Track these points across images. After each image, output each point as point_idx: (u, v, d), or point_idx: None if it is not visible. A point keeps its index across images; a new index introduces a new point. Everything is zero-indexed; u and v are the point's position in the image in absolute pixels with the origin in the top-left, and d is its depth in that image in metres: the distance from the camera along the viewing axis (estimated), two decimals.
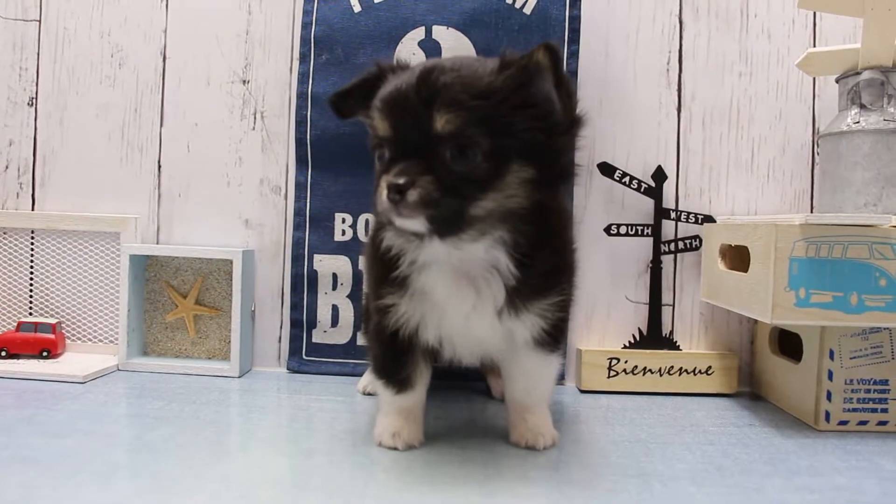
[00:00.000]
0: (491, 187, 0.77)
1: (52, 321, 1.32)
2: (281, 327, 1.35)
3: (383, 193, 0.75)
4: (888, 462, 0.91)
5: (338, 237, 1.30)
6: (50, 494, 0.72)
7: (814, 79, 1.31)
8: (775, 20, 1.31)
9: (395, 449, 0.89)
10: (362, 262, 1.26)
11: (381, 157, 0.81)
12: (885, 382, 1.06)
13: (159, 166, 1.37)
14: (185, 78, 1.37)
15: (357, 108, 0.88)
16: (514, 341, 0.89)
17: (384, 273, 0.87)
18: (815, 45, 1.31)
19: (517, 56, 0.78)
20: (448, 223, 0.77)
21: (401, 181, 0.74)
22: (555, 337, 0.91)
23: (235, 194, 1.36)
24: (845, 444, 0.99)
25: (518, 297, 0.84)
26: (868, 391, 1.06)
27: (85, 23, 1.39)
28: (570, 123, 0.81)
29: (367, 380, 1.17)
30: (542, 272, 0.85)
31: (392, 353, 0.91)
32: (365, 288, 1.10)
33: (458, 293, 0.84)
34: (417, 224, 0.76)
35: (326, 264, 1.30)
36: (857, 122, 1.14)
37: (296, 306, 1.32)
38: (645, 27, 1.32)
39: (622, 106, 1.31)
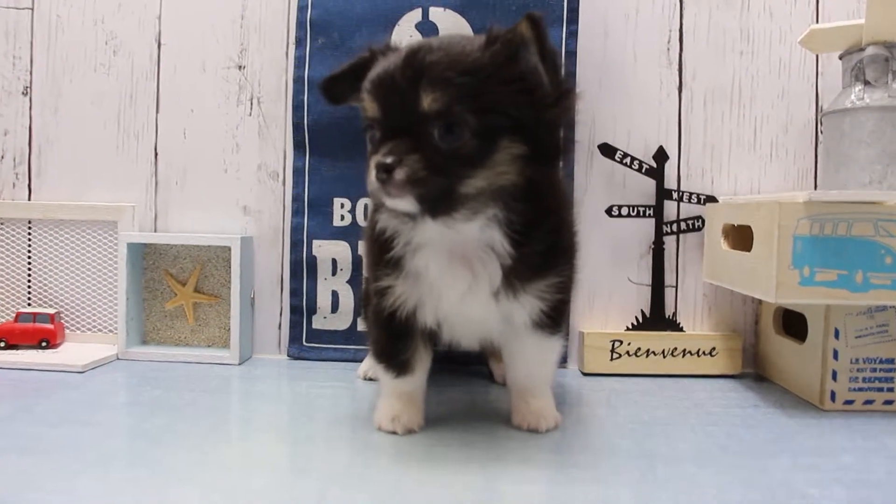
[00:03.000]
0: (480, 164, 0.76)
1: (51, 311, 1.32)
2: (281, 314, 1.34)
3: (372, 173, 0.75)
4: (894, 441, 0.91)
5: (336, 222, 1.28)
6: (47, 484, 0.71)
7: (817, 56, 1.29)
8: None
9: (395, 433, 0.88)
10: (361, 247, 1.25)
11: (371, 138, 0.80)
12: (891, 361, 1.05)
13: (156, 154, 1.36)
14: (181, 64, 1.36)
15: (349, 92, 0.87)
16: (513, 323, 0.88)
17: (380, 255, 0.87)
18: (817, 22, 1.29)
19: (503, 30, 0.77)
20: (438, 202, 0.76)
21: (388, 160, 0.74)
22: (554, 319, 0.90)
23: (233, 181, 1.35)
24: (851, 423, 0.98)
25: (515, 277, 0.83)
26: (874, 370, 1.05)
27: (78, 10, 1.37)
28: (559, 96, 0.78)
29: (368, 365, 1.17)
30: (540, 251, 0.83)
31: (391, 337, 0.91)
32: (364, 272, 1.10)
33: (453, 274, 0.84)
34: (407, 203, 0.76)
35: (325, 250, 1.29)
36: (862, 99, 1.12)
37: (295, 292, 1.32)
38: (644, 6, 1.30)
39: (622, 86, 1.30)
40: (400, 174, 0.74)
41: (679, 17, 1.30)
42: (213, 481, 0.73)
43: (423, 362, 0.93)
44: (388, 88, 0.77)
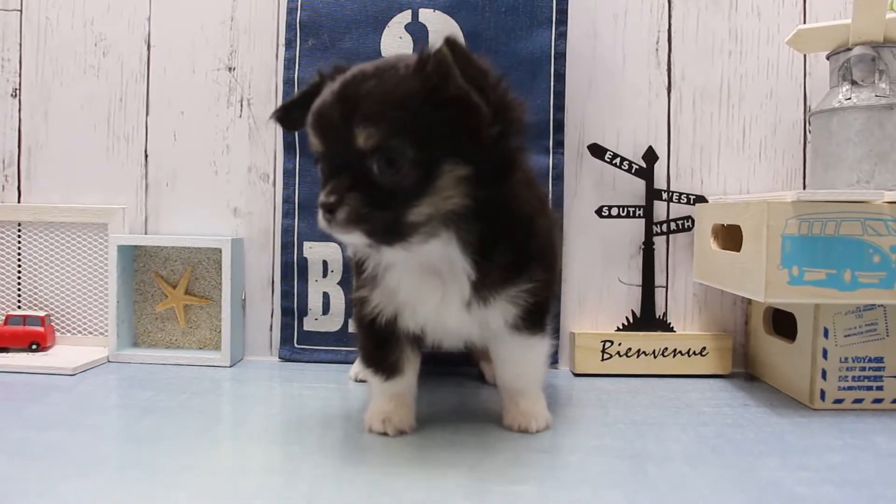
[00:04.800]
0: (424, 193, 0.75)
1: (41, 314, 1.31)
2: (272, 316, 1.34)
3: (319, 212, 0.76)
4: (883, 440, 0.91)
5: None
6: (34, 487, 0.71)
7: (804, 56, 1.30)
8: None
9: (385, 434, 0.88)
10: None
11: (320, 171, 0.80)
12: (880, 360, 1.06)
13: (146, 156, 1.36)
14: (170, 66, 1.35)
15: (302, 120, 0.83)
16: (491, 328, 0.88)
17: (357, 269, 0.90)
18: (804, 23, 1.29)
19: (431, 53, 0.75)
20: (386, 233, 0.76)
21: (330, 199, 0.74)
22: (534, 321, 0.90)
23: (223, 183, 1.34)
24: (840, 422, 0.98)
25: (483, 288, 0.83)
26: (863, 369, 1.06)
27: (67, 12, 1.37)
28: (496, 112, 0.75)
29: (359, 367, 1.16)
30: (504, 264, 0.83)
31: (376, 341, 0.91)
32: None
33: (424, 289, 0.84)
34: (356, 238, 0.76)
35: (316, 251, 1.29)
36: (849, 99, 1.13)
37: (286, 294, 1.31)
38: (633, 7, 1.30)
39: (611, 87, 1.30)
40: (342, 214, 0.74)
41: (668, 18, 1.30)
42: (203, 483, 0.73)
43: (411, 364, 0.93)
44: (326, 123, 0.77)
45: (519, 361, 0.94)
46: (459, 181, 0.75)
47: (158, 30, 1.35)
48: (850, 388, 1.05)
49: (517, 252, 0.84)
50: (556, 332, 1.27)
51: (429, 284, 0.84)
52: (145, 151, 1.36)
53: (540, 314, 0.91)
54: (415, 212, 0.75)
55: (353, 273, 0.93)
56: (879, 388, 1.06)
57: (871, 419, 1.00)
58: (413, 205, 0.75)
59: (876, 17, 1.11)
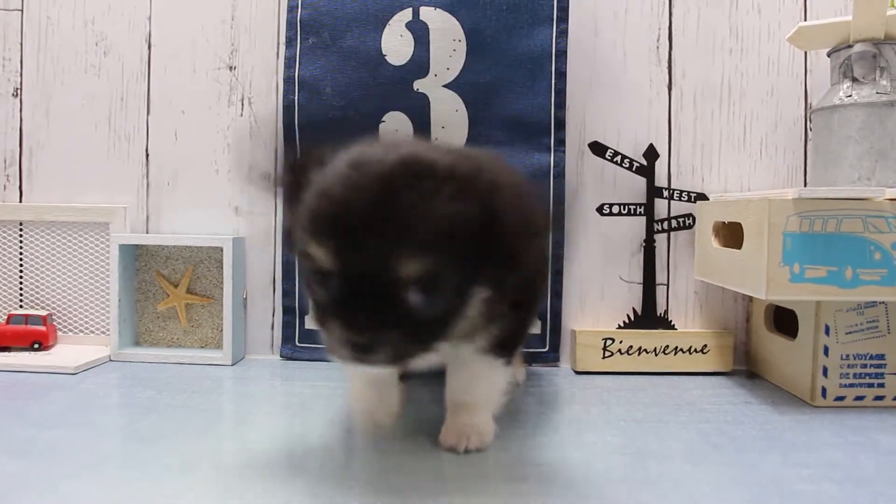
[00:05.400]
0: (454, 320, 0.68)
1: (43, 313, 1.31)
2: (273, 314, 1.34)
3: (337, 339, 0.65)
4: (884, 437, 0.91)
5: None
6: (38, 485, 0.71)
7: (805, 53, 1.30)
8: None
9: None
10: None
11: (321, 283, 0.66)
12: (882, 357, 1.06)
13: (147, 155, 1.36)
14: (171, 65, 1.35)
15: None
16: (461, 354, 0.81)
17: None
18: (805, 19, 1.29)
19: (468, 172, 0.66)
20: (411, 358, 0.68)
21: (364, 340, 0.64)
22: (505, 347, 0.83)
23: (224, 182, 1.34)
24: (842, 419, 0.99)
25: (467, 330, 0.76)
26: (864, 366, 1.06)
27: (68, 11, 1.37)
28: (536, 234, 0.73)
29: None
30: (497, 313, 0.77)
31: None
32: None
33: None
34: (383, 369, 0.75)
35: None
36: (850, 96, 1.13)
37: (288, 293, 1.31)
38: (634, 5, 1.30)
39: (612, 85, 1.30)
40: (381, 357, 0.65)
41: (668, 16, 1.30)
42: (206, 482, 0.73)
43: None
44: (349, 242, 0.63)
45: (477, 375, 0.85)
46: (485, 303, 0.71)
47: (159, 29, 1.35)
48: (851, 386, 1.05)
49: (512, 305, 0.78)
50: (557, 330, 1.28)
51: None
52: (146, 150, 1.36)
53: (515, 343, 0.88)
54: (443, 338, 0.69)
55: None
56: (881, 386, 1.06)
57: (873, 416, 1.00)
58: (443, 333, 0.68)
59: (877, 15, 1.11)
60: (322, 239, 0.64)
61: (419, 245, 0.63)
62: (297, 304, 1.31)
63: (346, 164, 0.65)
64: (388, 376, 0.87)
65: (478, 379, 0.86)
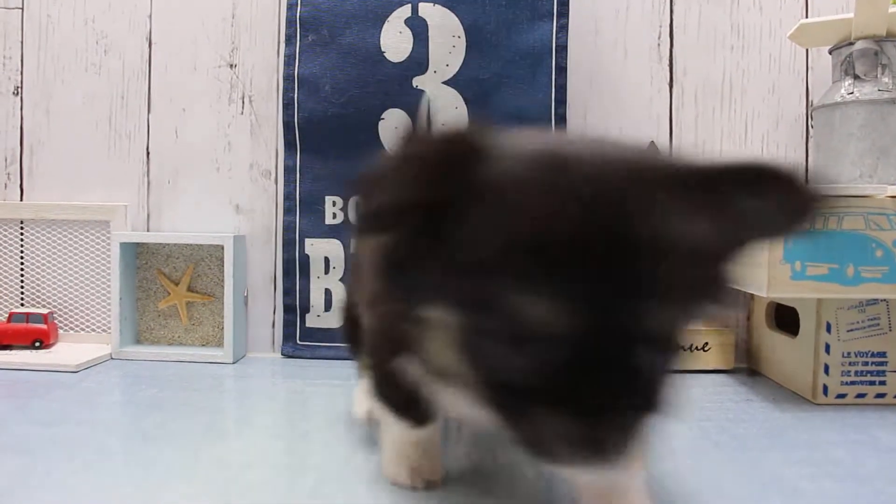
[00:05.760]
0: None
1: (44, 311, 1.31)
2: (274, 312, 1.35)
3: (564, 436, 0.44)
4: (886, 434, 0.91)
5: (328, 220, 1.28)
6: (41, 482, 0.71)
7: (807, 51, 1.30)
8: None
9: (415, 489, 0.71)
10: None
11: (515, 348, 0.45)
12: (883, 355, 1.05)
13: (148, 153, 1.36)
14: (172, 63, 1.35)
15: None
16: None
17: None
18: (807, 17, 1.29)
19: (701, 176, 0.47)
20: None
21: (617, 435, 0.44)
22: None
23: (225, 179, 1.34)
24: (843, 417, 0.99)
25: None
26: (866, 364, 1.05)
27: (69, 10, 1.37)
28: None
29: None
30: None
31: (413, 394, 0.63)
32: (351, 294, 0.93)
33: None
34: None
35: (318, 248, 1.29)
36: (851, 94, 1.13)
37: (288, 291, 1.31)
38: (635, 3, 1.30)
39: (613, 82, 1.30)
40: (620, 453, 0.45)
41: (669, 13, 1.30)
42: (207, 479, 0.73)
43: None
44: (594, 289, 0.42)
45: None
46: None
47: (159, 27, 1.35)
48: (852, 383, 1.05)
49: None
50: None
51: None
52: (147, 149, 1.36)
53: None
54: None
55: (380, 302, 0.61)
56: (882, 384, 1.06)
57: (874, 414, 1.00)
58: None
59: (878, 12, 1.11)
60: (548, 284, 0.42)
61: (684, 288, 0.45)
62: (297, 303, 1.31)
63: (560, 171, 0.44)
64: (436, 434, 0.73)
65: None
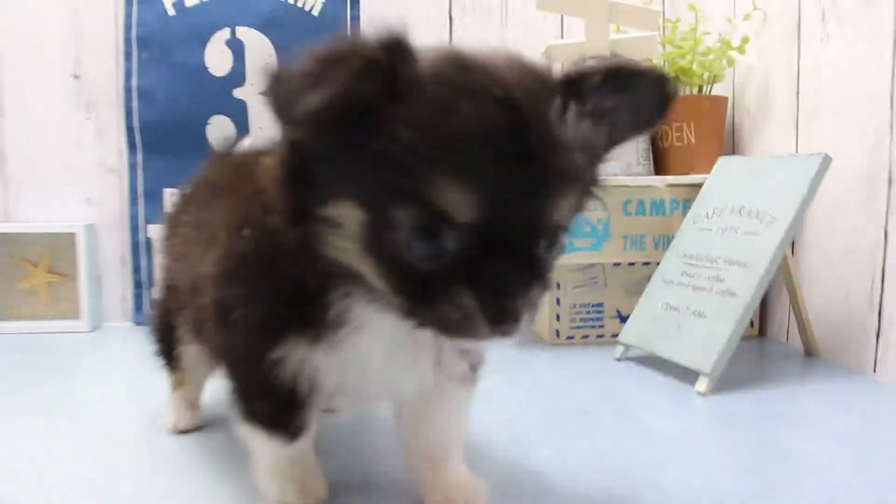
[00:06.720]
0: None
1: None
2: (124, 287, 1.57)
3: (469, 313, 0.49)
4: (589, 362, 1.23)
5: (167, 209, 1.51)
6: None
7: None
8: (530, 15, 1.59)
9: None
10: None
11: (430, 237, 0.49)
12: (601, 305, 1.38)
13: (2, 155, 1.54)
14: (24, 75, 1.53)
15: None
16: (441, 381, 0.68)
17: (290, 310, 0.61)
18: (562, 38, 1.59)
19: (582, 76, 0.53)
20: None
21: (518, 309, 0.50)
22: (478, 367, 0.71)
23: (76, 176, 1.55)
24: (571, 352, 1.31)
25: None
26: (588, 312, 1.38)
27: None
28: None
29: (178, 414, 0.93)
30: None
31: (285, 402, 0.65)
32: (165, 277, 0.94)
33: (395, 349, 0.62)
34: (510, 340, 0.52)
35: (158, 232, 1.52)
36: None
37: (136, 269, 1.55)
38: (419, 19, 1.57)
39: None
40: (521, 323, 0.50)
41: (449, 31, 1.58)
42: (60, 426, 0.98)
43: (315, 419, 0.70)
44: (504, 184, 0.47)
45: (453, 415, 0.72)
46: None
47: (7, 43, 1.52)
48: (578, 328, 1.38)
49: None
50: None
51: (401, 344, 0.62)
52: (2, 151, 1.54)
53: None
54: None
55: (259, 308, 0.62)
56: (601, 327, 1.39)
57: (594, 349, 1.33)
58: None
59: (601, 37, 1.41)
60: (465, 179, 0.47)
61: (578, 181, 0.51)
62: (144, 279, 1.54)
63: (475, 74, 0.48)
64: (310, 449, 0.72)
65: (457, 419, 0.72)
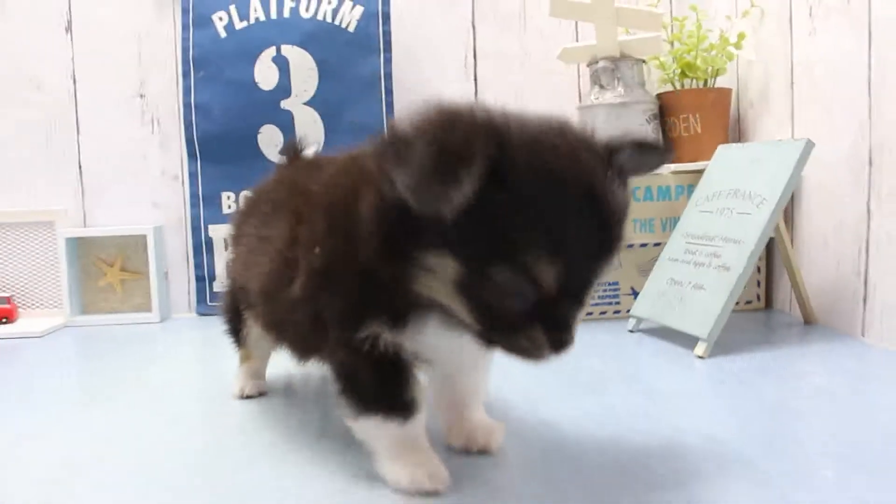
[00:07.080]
0: None
1: (7, 295, 1.69)
2: (189, 282, 1.76)
3: (537, 343, 0.62)
4: (606, 336, 1.36)
5: (225, 210, 1.69)
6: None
7: (578, 66, 1.74)
8: (546, 21, 1.72)
9: (437, 492, 0.71)
10: None
11: (508, 295, 0.60)
12: (616, 284, 1.51)
13: (80, 167, 1.73)
14: (96, 96, 1.72)
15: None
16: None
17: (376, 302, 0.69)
18: (577, 41, 1.73)
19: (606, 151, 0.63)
20: None
21: (571, 337, 0.63)
22: None
23: (144, 184, 1.74)
24: (590, 327, 1.41)
25: None
26: (605, 290, 1.51)
27: (5, 56, 1.71)
28: None
29: (245, 380, 1.07)
30: None
31: (384, 375, 0.72)
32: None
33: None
34: None
35: (218, 232, 1.69)
36: (597, 98, 1.57)
37: (199, 265, 1.72)
38: (443, 32, 1.72)
39: (432, 95, 1.70)
40: (570, 347, 0.63)
41: (473, 40, 1.73)
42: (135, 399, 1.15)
43: (422, 395, 0.75)
44: (586, 254, 0.60)
45: (477, 371, 0.84)
46: None
47: (81, 67, 1.71)
48: (596, 304, 1.51)
49: None
50: None
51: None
52: (79, 164, 1.73)
53: None
54: None
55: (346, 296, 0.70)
56: (618, 303, 1.52)
57: (609, 323, 1.46)
58: None
59: (611, 38, 1.55)
60: (555, 255, 0.58)
61: (620, 242, 0.63)
62: (206, 274, 1.72)
63: (561, 162, 0.59)
64: (420, 424, 0.75)
65: (482, 372, 0.85)
